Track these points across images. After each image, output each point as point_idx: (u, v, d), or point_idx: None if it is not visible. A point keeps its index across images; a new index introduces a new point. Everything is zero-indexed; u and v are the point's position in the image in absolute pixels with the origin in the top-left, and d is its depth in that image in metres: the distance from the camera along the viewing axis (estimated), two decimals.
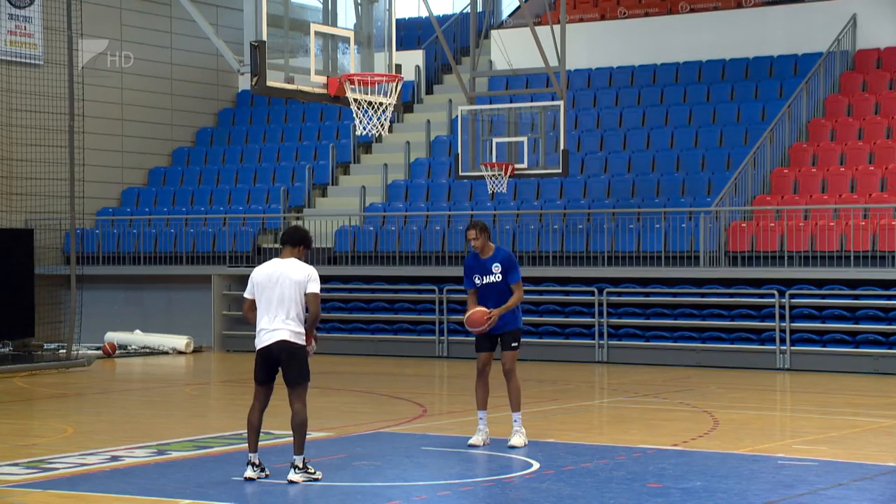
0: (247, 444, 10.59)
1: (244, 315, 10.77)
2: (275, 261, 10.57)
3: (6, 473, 10.96)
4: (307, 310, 10.47)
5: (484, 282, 12.33)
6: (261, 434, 10.66)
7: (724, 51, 27.47)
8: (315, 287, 10.41)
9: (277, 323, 10.38)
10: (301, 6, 15.74)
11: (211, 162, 29.75)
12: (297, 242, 10.56)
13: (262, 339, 10.46)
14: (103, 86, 28.04)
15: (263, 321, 10.45)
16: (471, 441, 12.43)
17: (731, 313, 21.67)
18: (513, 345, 12.42)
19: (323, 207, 27.30)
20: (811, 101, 25.22)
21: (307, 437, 10.55)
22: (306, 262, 10.60)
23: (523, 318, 22.47)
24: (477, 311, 12.15)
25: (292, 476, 10.38)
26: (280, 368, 10.48)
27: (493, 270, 12.30)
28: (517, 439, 12.35)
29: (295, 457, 10.42)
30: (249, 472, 10.49)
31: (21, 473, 11.00)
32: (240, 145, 30.01)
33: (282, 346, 10.37)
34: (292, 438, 10.45)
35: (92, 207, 27.09)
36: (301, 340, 10.43)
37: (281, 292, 10.38)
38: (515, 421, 12.44)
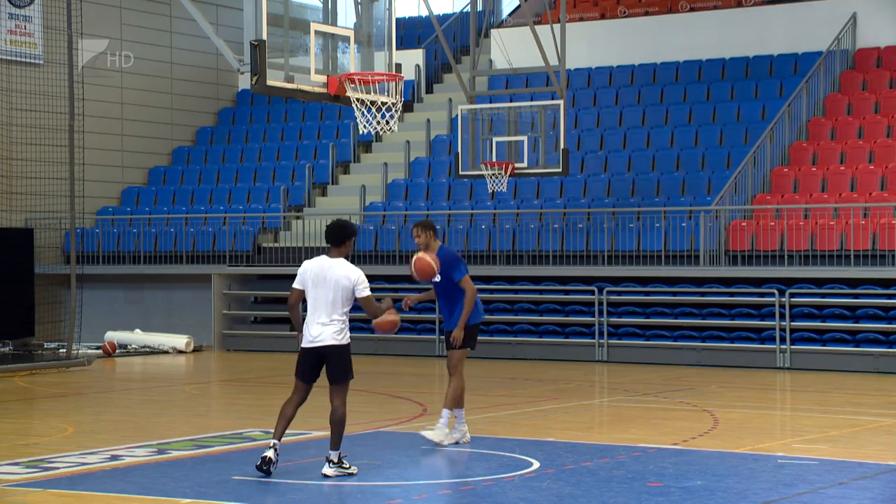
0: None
1: (290, 306, 10.68)
2: (324, 259, 10.61)
3: (6, 473, 10.95)
4: (353, 308, 10.58)
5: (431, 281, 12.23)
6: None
7: (724, 50, 27.47)
8: (366, 291, 10.56)
9: (326, 322, 10.50)
10: (301, 5, 15.73)
11: (211, 161, 29.75)
12: (343, 240, 10.62)
13: (309, 339, 10.56)
14: (103, 85, 28.04)
15: (311, 320, 10.56)
16: (422, 431, 12.30)
17: (731, 312, 21.67)
18: (453, 344, 12.19)
19: (323, 207, 27.29)
20: (811, 100, 25.21)
21: (343, 433, 10.60)
22: (350, 258, 10.69)
23: (523, 318, 22.85)
24: (390, 319, 10.83)
25: (326, 470, 10.52)
26: (325, 367, 10.60)
27: None
28: (432, 433, 12.08)
29: (331, 451, 10.56)
30: (270, 453, 10.48)
31: (21, 473, 11.00)
32: (240, 144, 30.00)
33: (329, 348, 10.50)
34: (329, 433, 10.56)
35: (92, 207, 27.08)
36: (346, 340, 10.55)
37: (335, 295, 10.50)
38: (441, 416, 12.16)
